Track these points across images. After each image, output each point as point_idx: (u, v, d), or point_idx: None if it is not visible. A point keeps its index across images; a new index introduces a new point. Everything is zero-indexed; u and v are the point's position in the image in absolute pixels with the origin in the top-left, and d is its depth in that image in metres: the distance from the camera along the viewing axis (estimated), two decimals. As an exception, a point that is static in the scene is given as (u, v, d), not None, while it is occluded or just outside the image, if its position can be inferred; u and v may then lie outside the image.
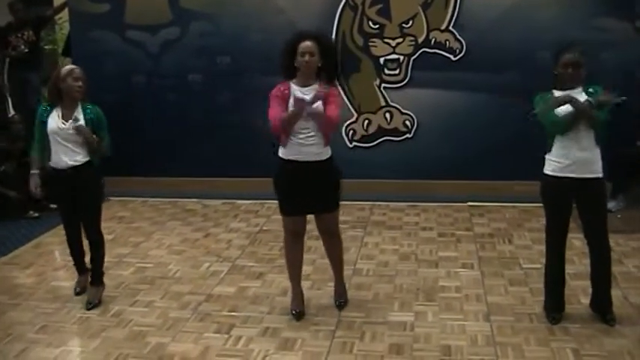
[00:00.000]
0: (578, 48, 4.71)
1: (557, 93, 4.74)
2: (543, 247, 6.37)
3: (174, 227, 7.44)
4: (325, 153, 4.96)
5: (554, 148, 4.77)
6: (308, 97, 4.76)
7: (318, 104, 4.78)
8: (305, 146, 4.87)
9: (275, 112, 4.86)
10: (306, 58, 4.80)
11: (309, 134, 4.85)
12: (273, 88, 4.96)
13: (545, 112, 4.66)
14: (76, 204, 5.37)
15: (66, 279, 5.98)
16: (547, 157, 4.84)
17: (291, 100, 4.83)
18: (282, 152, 4.98)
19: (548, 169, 4.82)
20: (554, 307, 4.96)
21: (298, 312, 5.15)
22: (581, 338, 4.67)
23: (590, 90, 4.67)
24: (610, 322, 4.83)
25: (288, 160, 4.94)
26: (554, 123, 4.66)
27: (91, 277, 5.58)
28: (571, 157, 4.68)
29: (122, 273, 6.04)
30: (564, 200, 4.80)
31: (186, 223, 7.60)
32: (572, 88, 4.68)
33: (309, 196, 4.92)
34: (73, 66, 5.44)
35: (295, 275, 5.22)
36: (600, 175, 4.75)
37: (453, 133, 8.27)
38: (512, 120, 8.10)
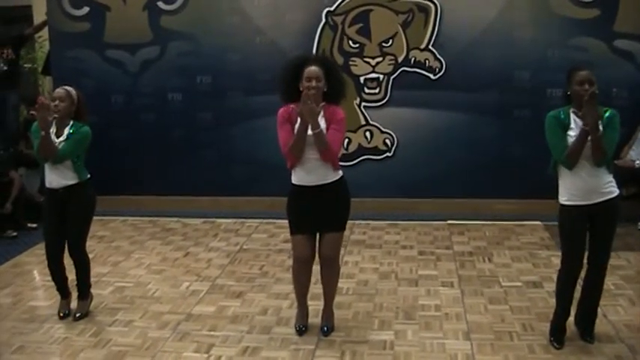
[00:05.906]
0: (588, 67, 4.64)
1: (572, 110, 4.64)
2: (522, 265, 6.49)
3: (154, 246, 7.40)
4: (333, 175, 4.91)
5: (564, 177, 4.70)
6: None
7: (321, 125, 4.74)
8: (311, 171, 4.84)
9: (286, 137, 4.82)
10: (313, 83, 4.71)
11: (315, 159, 4.81)
12: (275, 109, 4.89)
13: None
14: (65, 223, 5.35)
15: (44, 299, 5.93)
16: (560, 186, 4.74)
17: (297, 126, 4.78)
18: (292, 177, 4.96)
19: (563, 199, 4.73)
20: (561, 336, 4.89)
21: (301, 327, 5.14)
22: (561, 356, 4.68)
23: (607, 114, 4.59)
24: (589, 339, 4.85)
25: (297, 185, 4.94)
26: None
27: (78, 292, 5.56)
28: (582, 186, 4.61)
29: (101, 292, 5.98)
30: (581, 226, 4.69)
31: (165, 242, 7.56)
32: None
33: (315, 215, 4.88)
34: (69, 88, 5.38)
35: (300, 295, 5.18)
36: (614, 195, 4.67)
37: (433, 151, 8.33)
38: (492, 138, 8.20)
